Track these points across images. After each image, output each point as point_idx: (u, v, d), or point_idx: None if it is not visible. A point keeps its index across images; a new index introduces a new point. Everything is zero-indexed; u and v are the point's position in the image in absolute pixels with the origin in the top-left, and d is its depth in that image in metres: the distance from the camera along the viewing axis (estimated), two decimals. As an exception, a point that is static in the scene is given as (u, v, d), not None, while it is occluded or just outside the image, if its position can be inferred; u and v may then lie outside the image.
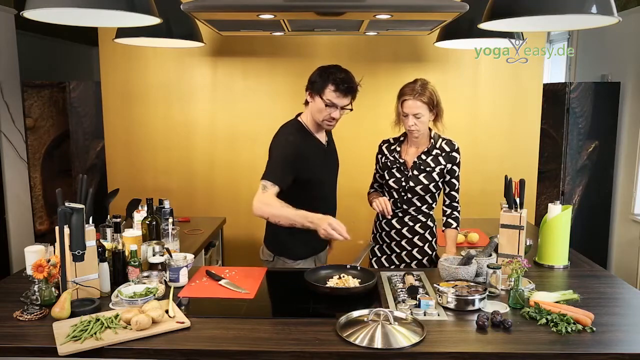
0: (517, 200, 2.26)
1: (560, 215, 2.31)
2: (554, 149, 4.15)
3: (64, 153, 4.05)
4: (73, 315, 1.77)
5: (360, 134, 3.65)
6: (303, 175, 2.30)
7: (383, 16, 2.39)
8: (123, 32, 2.76)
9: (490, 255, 2.19)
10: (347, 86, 2.24)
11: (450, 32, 2.82)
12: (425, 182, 2.44)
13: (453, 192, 2.49)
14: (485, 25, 1.98)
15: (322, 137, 2.44)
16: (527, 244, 2.30)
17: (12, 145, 4.03)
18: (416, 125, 2.37)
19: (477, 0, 2.34)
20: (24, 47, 4.25)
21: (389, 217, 2.48)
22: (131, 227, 2.62)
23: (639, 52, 3.85)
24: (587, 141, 4.10)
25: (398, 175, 2.48)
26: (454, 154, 2.46)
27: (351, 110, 2.33)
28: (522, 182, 2.27)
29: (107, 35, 3.52)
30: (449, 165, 2.45)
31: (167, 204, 2.69)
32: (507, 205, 2.28)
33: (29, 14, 1.69)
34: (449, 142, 2.48)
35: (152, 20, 1.88)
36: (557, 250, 2.34)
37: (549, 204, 2.35)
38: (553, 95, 4.11)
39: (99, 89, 3.79)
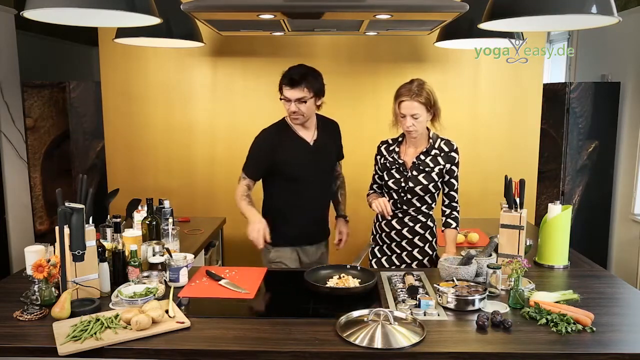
0: (517, 200, 2.26)
1: (560, 215, 2.31)
2: (554, 149, 4.15)
3: (64, 153, 4.04)
4: (73, 315, 1.77)
5: (361, 134, 3.64)
6: (280, 170, 2.49)
7: (383, 16, 2.39)
8: (123, 32, 2.76)
9: (490, 255, 2.19)
10: (290, 78, 2.35)
11: (450, 32, 2.82)
12: (425, 182, 2.43)
13: (452, 192, 2.49)
14: (485, 25, 1.98)
15: (307, 135, 2.51)
16: (527, 244, 2.30)
17: (12, 145, 4.03)
18: (414, 126, 2.36)
19: (477, 0, 2.34)
20: (24, 47, 4.24)
21: (389, 218, 2.48)
22: (131, 227, 2.62)
23: (639, 52, 3.85)
24: (587, 141, 4.10)
25: (397, 176, 2.47)
26: (453, 154, 2.46)
27: (305, 102, 2.38)
28: (522, 182, 2.27)
29: (107, 35, 3.52)
30: (447, 165, 2.45)
31: (167, 204, 2.69)
32: (507, 205, 2.28)
33: (29, 14, 1.69)
34: (448, 142, 2.47)
35: (152, 20, 1.88)
36: (557, 250, 2.34)
37: (549, 204, 2.35)
38: (553, 95, 4.11)
39: (99, 89, 3.79)
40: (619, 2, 3.97)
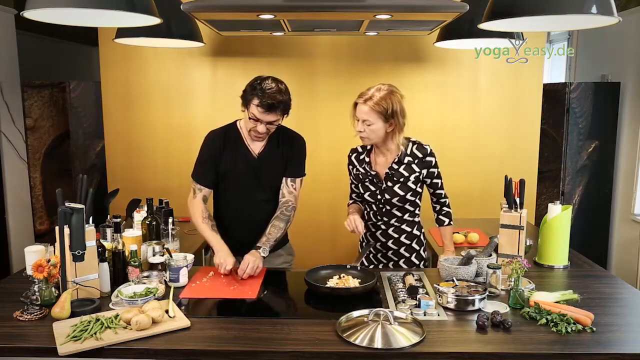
0: (517, 200, 2.26)
1: (560, 215, 2.31)
2: (554, 149, 4.15)
3: (64, 153, 4.04)
4: (73, 315, 1.77)
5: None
6: (221, 178, 2.38)
7: (383, 16, 2.39)
8: (123, 32, 2.76)
9: (490, 255, 2.19)
10: (269, 103, 2.16)
11: (450, 32, 2.82)
12: (401, 192, 2.32)
13: (438, 191, 2.39)
14: (485, 25, 1.98)
15: (255, 147, 2.37)
16: (527, 244, 2.30)
17: (12, 145, 4.03)
18: (365, 132, 2.22)
19: (477, 0, 2.34)
20: (24, 47, 4.24)
21: (362, 233, 2.35)
22: (131, 227, 2.62)
23: (639, 52, 3.85)
24: (587, 141, 4.10)
25: (372, 188, 2.36)
26: (428, 158, 2.31)
27: (277, 126, 2.28)
28: (522, 182, 2.27)
29: (107, 35, 3.52)
30: (424, 171, 2.32)
31: (167, 204, 2.69)
32: (507, 205, 2.28)
33: (29, 14, 1.69)
34: (420, 147, 2.31)
35: (152, 20, 1.88)
36: (557, 250, 2.34)
37: (549, 204, 2.35)
38: (553, 95, 4.11)
39: (99, 89, 3.79)
40: (619, 2, 3.97)
